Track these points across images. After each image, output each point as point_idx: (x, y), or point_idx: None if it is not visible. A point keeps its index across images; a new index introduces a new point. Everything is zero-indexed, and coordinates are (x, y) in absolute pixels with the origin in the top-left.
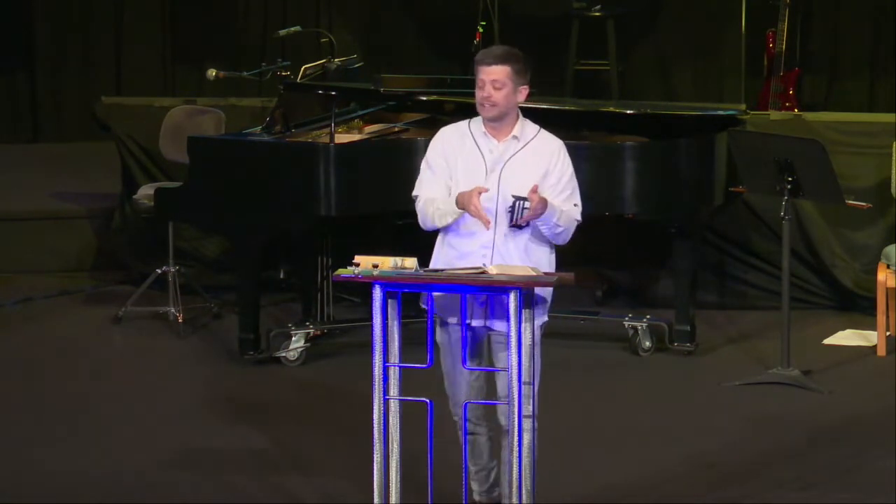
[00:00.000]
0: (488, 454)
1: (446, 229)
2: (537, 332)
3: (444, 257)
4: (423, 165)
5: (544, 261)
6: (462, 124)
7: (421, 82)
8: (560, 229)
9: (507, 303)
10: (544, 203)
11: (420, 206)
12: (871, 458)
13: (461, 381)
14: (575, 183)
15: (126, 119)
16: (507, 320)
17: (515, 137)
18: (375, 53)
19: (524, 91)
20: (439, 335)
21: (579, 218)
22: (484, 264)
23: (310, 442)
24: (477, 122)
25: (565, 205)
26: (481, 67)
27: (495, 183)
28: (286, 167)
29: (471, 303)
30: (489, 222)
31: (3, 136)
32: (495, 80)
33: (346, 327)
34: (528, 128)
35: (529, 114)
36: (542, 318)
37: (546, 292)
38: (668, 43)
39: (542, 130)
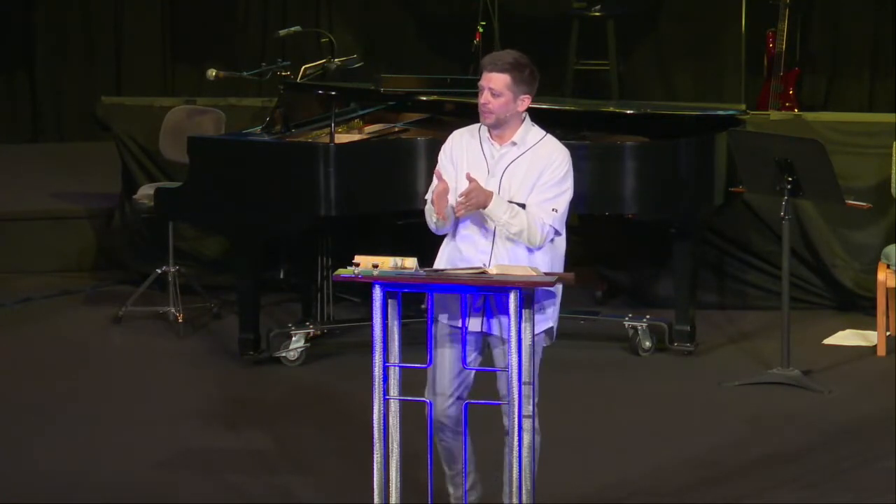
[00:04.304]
0: (463, 460)
1: (453, 233)
2: (538, 339)
3: (448, 258)
4: (435, 172)
5: (544, 268)
6: (474, 127)
7: (421, 82)
8: (515, 229)
9: (507, 305)
10: (480, 191)
11: (426, 210)
12: (871, 458)
13: (444, 375)
14: (564, 191)
15: (126, 119)
16: (507, 324)
17: (514, 143)
18: (375, 53)
19: (526, 100)
20: (434, 329)
21: (555, 225)
22: (484, 263)
23: (310, 442)
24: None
25: (539, 206)
26: (483, 73)
27: (495, 188)
28: (286, 167)
29: (469, 305)
30: (441, 214)
31: (3, 136)
32: (493, 87)
33: (346, 327)
34: (531, 134)
35: (529, 114)
36: (544, 324)
37: (545, 294)
38: (668, 43)
39: (549, 136)
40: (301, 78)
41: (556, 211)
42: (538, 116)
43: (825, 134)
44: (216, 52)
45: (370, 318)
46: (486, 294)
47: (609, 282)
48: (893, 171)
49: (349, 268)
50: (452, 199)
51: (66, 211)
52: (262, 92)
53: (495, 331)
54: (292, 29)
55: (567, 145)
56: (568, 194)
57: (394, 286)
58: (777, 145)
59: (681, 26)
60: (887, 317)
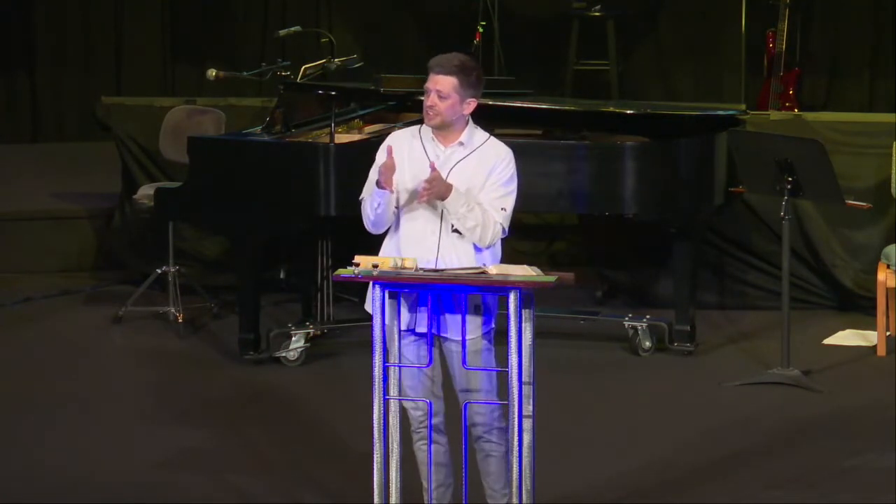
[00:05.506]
0: (446, 470)
1: (393, 232)
2: (485, 341)
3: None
4: (371, 169)
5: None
6: (414, 128)
7: (421, 82)
8: (470, 223)
9: (455, 307)
10: (442, 181)
11: (362, 207)
12: (870, 457)
13: (418, 379)
14: (511, 192)
15: (126, 119)
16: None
17: (461, 143)
18: (375, 53)
19: (472, 104)
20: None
21: (504, 225)
22: (483, 263)
23: (310, 442)
24: (427, 127)
25: (489, 204)
26: (430, 74)
27: None
28: (286, 167)
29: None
30: (388, 186)
31: (3, 136)
32: (440, 89)
33: (346, 327)
34: (476, 135)
35: (530, 114)
36: (489, 325)
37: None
38: (668, 43)
39: (493, 138)
40: (301, 78)
41: (505, 210)
42: (538, 117)
43: (825, 134)
44: (216, 52)
45: (370, 318)
46: (437, 294)
47: (609, 282)
48: (893, 171)
49: (349, 268)
50: (394, 201)
51: (66, 211)
52: (262, 92)
53: (444, 331)
54: (292, 29)
55: (567, 145)
56: (514, 195)
57: (394, 286)
58: (777, 145)
59: (681, 26)
60: (887, 317)
